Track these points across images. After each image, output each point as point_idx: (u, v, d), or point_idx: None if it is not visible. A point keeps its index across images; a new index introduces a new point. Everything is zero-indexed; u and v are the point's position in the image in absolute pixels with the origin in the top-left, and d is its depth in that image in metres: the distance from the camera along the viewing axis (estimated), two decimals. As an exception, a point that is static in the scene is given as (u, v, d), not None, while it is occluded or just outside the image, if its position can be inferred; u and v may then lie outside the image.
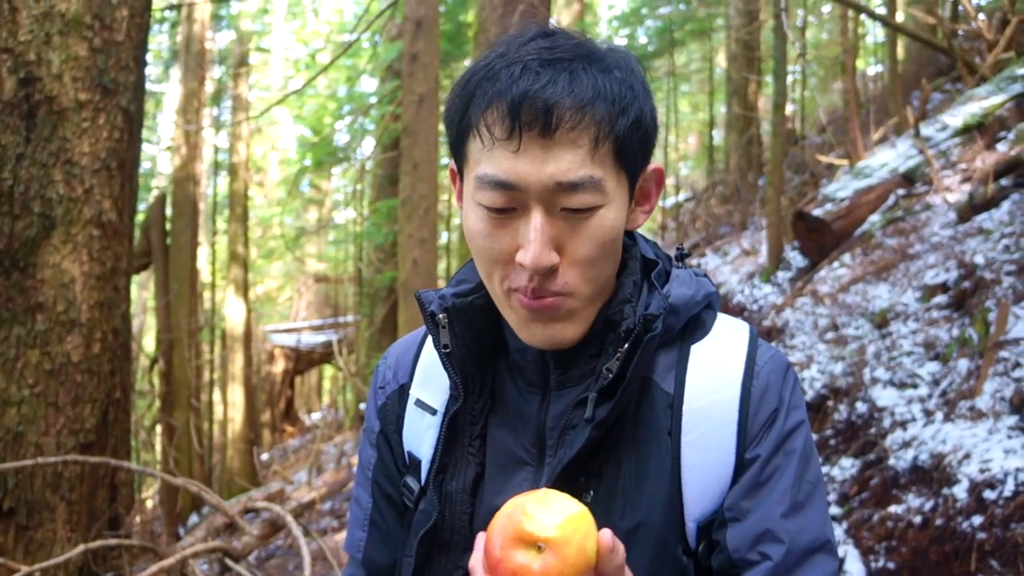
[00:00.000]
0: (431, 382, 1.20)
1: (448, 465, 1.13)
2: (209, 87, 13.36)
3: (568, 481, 1.00)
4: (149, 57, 15.18)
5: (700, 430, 1.04)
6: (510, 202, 0.97)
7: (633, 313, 1.06)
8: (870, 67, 17.38)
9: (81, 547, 3.47)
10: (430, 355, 1.22)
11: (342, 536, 6.61)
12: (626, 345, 1.02)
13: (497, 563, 0.83)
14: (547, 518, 0.82)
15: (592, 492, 1.04)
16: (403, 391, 1.24)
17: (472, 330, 1.11)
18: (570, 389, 1.08)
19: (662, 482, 1.03)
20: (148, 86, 15.74)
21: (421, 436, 1.19)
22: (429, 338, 1.24)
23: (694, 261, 10.06)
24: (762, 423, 1.05)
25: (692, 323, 1.11)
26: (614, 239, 1.02)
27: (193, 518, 10.29)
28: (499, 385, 1.15)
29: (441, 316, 1.11)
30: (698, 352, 1.09)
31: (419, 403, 1.20)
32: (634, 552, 0.99)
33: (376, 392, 1.28)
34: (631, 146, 1.00)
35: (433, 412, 1.18)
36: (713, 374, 1.07)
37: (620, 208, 1.02)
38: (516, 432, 1.11)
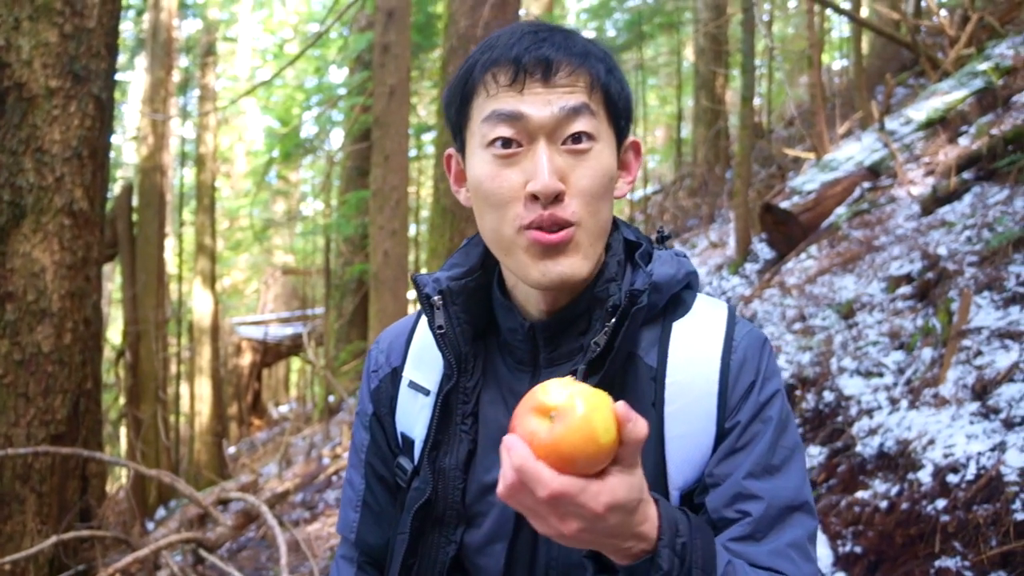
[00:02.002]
0: (424, 364, 1.23)
1: (441, 442, 1.17)
2: (176, 76, 13.21)
3: None
4: (114, 45, 14.97)
5: (682, 401, 1.09)
6: (517, 134, 1.05)
7: (619, 291, 1.11)
8: (835, 62, 17.59)
9: (52, 539, 3.46)
10: (423, 338, 1.26)
11: (314, 527, 6.61)
12: (613, 320, 1.06)
13: (512, 430, 0.85)
14: (560, 390, 0.83)
15: None
16: (396, 374, 1.27)
17: (465, 311, 1.16)
18: (560, 366, 1.13)
19: (647, 452, 1.05)
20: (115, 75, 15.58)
21: (415, 417, 1.22)
22: (421, 323, 1.28)
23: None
24: (740, 394, 1.10)
25: (673, 301, 1.16)
26: (610, 178, 1.10)
27: (161, 511, 10.21)
28: (491, 364, 1.19)
29: (436, 298, 1.16)
30: (679, 329, 1.14)
31: (412, 384, 1.23)
32: None
33: (369, 376, 1.31)
34: (618, 102, 1.11)
35: (426, 392, 1.21)
36: (694, 349, 1.12)
37: (611, 151, 1.10)
38: (508, 409, 1.14)
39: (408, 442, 1.22)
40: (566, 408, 0.81)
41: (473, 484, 1.15)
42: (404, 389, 1.25)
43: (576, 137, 1.05)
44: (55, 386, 3.88)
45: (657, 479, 1.07)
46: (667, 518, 0.92)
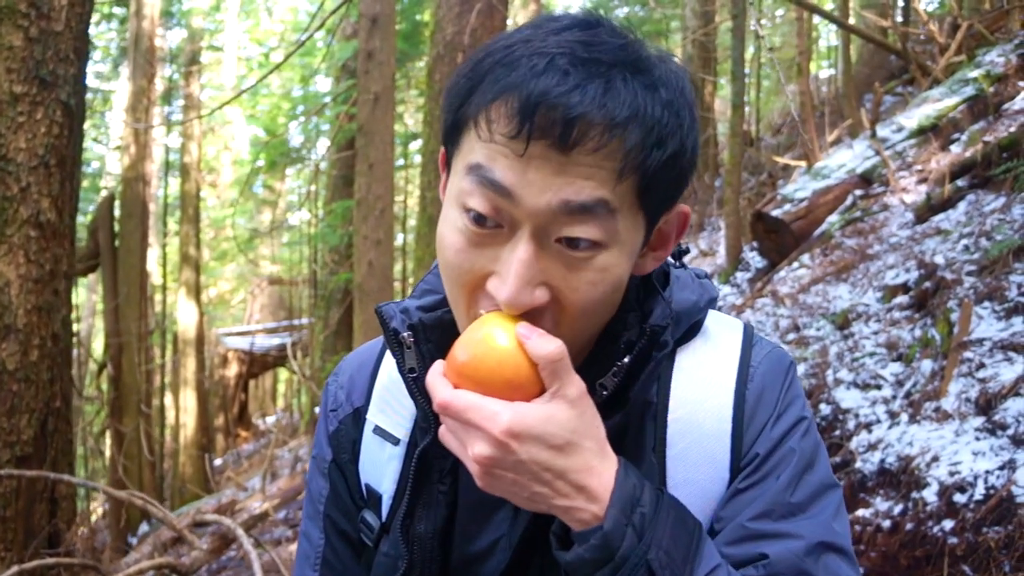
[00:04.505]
0: (391, 406, 1.05)
1: (416, 506, 0.98)
2: (160, 86, 13.05)
3: (552, 520, 0.85)
4: (97, 55, 14.80)
5: (686, 442, 0.92)
6: (497, 214, 0.80)
7: (638, 324, 0.91)
8: (822, 70, 17.58)
9: (14, 568, 3.27)
10: (389, 373, 1.07)
11: (296, 547, 6.44)
12: (626, 359, 0.88)
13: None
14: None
15: None
16: (358, 415, 1.08)
17: (441, 350, 0.88)
18: None
19: None
20: (97, 84, 15.42)
21: (381, 468, 1.04)
22: (388, 353, 1.09)
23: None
24: (758, 430, 0.92)
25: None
26: (616, 288, 0.86)
27: (144, 527, 10.00)
28: None
29: (406, 335, 0.95)
30: (685, 356, 0.96)
31: (378, 430, 1.05)
32: None
33: (327, 416, 1.12)
34: (660, 186, 0.83)
35: (395, 441, 1.03)
36: (701, 380, 0.94)
37: (629, 254, 0.85)
38: None
39: (374, 496, 1.04)
40: (470, 330, 0.82)
41: (455, 553, 0.98)
42: (368, 435, 1.06)
43: (573, 242, 0.80)
44: (21, 405, 3.71)
45: None
46: (624, 480, 0.80)
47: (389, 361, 1.08)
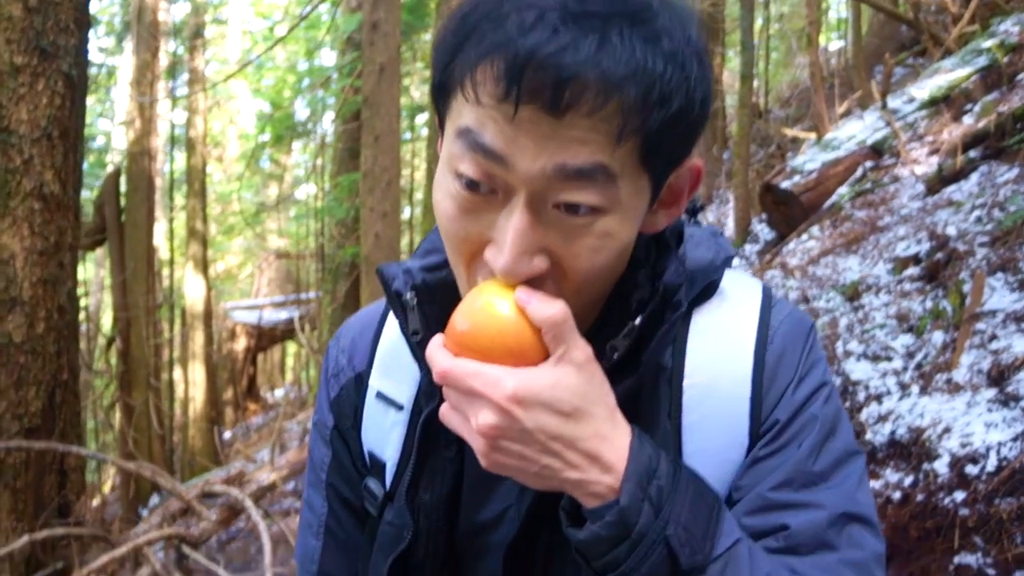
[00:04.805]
0: (395, 370, 1.01)
1: (421, 474, 0.95)
2: (164, 60, 12.97)
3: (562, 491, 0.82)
4: (101, 29, 14.70)
5: (704, 409, 0.88)
6: (490, 180, 0.75)
7: (647, 281, 0.87)
8: (832, 43, 17.38)
9: (25, 538, 3.28)
10: (392, 337, 1.03)
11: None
12: (637, 319, 0.83)
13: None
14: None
15: None
16: (360, 380, 1.04)
17: (446, 311, 0.82)
18: None
19: None
20: (102, 59, 15.34)
21: (385, 435, 1.00)
22: (391, 316, 1.05)
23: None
24: (778, 395, 0.88)
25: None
26: (620, 253, 0.81)
27: (155, 499, 10.07)
28: None
29: (408, 296, 0.91)
30: (701, 317, 0.91)
31: (381, 396, 1.01)
32: None
33: (328, 381, 1.08)
34: (665, 146, 0.77)
35: (399, 407, 0.99)
36: (718, 342, 0.90)
37: (634, 218, 0.80)
38: None
39: (377, 463, 1.01)
40: (470, 298, 0.79)
41: (461, 523, 0.95)
42: (371, 400, 1.02)
43: (571, 208, 0.75)
44: (28, 377, 3.71)
45: None
46: (639, 451, 0.75)
47: (392, 324, 1.04)
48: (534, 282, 0.78)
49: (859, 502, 0.85)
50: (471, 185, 0.77)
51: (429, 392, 0.94)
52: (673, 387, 0.89)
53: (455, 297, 0.84)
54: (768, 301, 0.93)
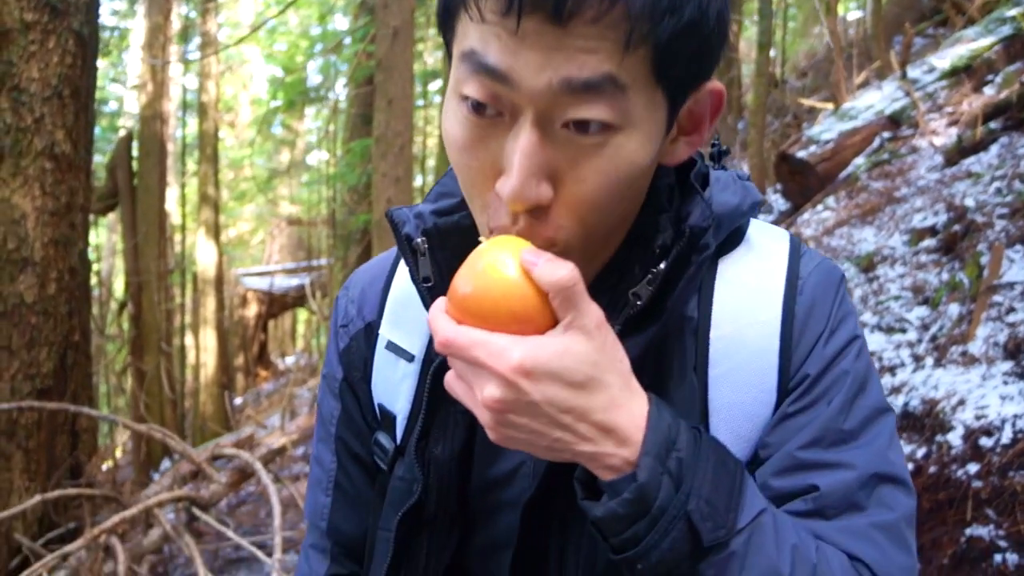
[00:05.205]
0: (406, 320, 0.98)
1: (432, 427, 0.92)
2: (176, 23, 12.89)
3: None
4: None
5: (731, 362, 0.84)
6: (496, 101, 0.72)
7: (669, 226, 0.83)
8: (850, 12, 17.15)
9: (36, 498, 3.30)
10: (403, 286, 1.00)
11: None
12: (661, 264, 0.79)
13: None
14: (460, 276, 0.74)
15: None
16: (370, 331, 1.01)
17: (459, 257, 0.77)
18: None
19: None
20: (114, 21, 15.27)
21: (395, 387, 0.98)
22: (401, 265, 1.02)
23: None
24: (808, 348, 0.84)
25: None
26: (633, 179, 0.76)
27: (166, 463, 10.16)
28: None
29: (419, 240, 0.87)
30: (728, 267, 0.88)
31: (391, 346, 0.98)
32: None
33: (337, 332, 1.05)
34: (678, 59, 0.72)
35: (410, 358, 0.96)
36: (747, 292, 0.86)
37: (648, 138, 0.75)
38: None
39: (388, 416, 0.98)
40: (473, 258, 0.74)
41: (473, 478, 0.92)
42: (381, 351, 0.99)
43: (581, 126, 0.72)
44: (40, 338, 3.72)
45: None
46: (657, 420, 0.71)
47: (403, 272, 1.01)
48: (538, 215, 0.75)
49: (890, 461, 0.82)
50: (477, 107, 0.74)
51: None
52: (699, 339, 0.85)
53: (468, 243, 0.80)
54: (797, 250, 0.90)
